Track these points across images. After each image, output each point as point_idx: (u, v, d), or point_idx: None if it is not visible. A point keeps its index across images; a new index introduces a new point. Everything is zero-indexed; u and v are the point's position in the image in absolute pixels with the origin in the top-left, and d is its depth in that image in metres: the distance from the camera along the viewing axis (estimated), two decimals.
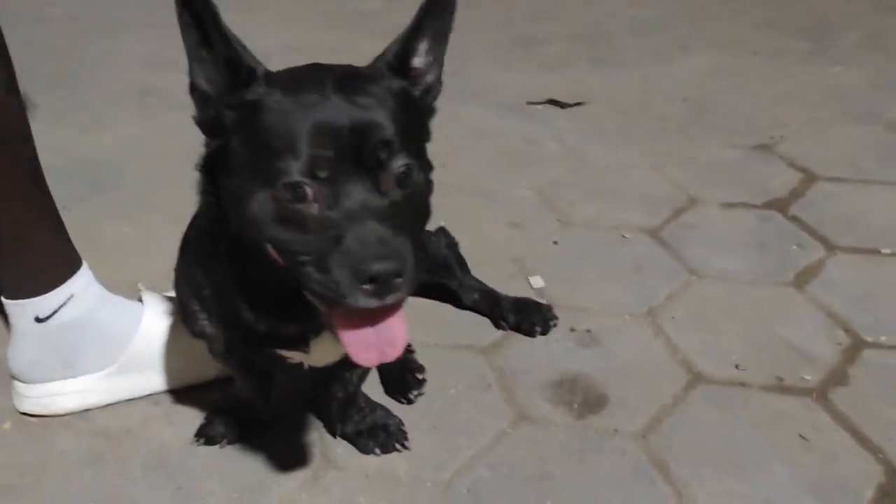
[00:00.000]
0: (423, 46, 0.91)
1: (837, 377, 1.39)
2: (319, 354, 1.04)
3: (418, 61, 0.91)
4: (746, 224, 1.87)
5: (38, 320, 1.29)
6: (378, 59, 0.92)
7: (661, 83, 2.69)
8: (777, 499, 1.17)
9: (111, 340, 1.34)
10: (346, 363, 1.12)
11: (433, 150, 0.92)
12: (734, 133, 2.31)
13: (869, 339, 1.48)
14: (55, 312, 1.28)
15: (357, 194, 0.79)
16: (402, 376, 1.37)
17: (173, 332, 1.37)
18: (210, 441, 1.29)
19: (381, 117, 0.81)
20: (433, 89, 0.94)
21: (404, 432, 1.28)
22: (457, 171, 2.10)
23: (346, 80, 0.84)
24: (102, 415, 1.34)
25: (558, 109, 2.52)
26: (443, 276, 1.51)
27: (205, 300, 1.04)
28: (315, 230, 0.79)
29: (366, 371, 1.23)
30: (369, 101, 0.82)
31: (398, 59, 0.90)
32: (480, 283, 1.55)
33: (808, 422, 1.31)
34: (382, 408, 1.30)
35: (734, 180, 2.06)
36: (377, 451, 1.26)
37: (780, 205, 1.94)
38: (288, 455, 1.27)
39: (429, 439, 1.29)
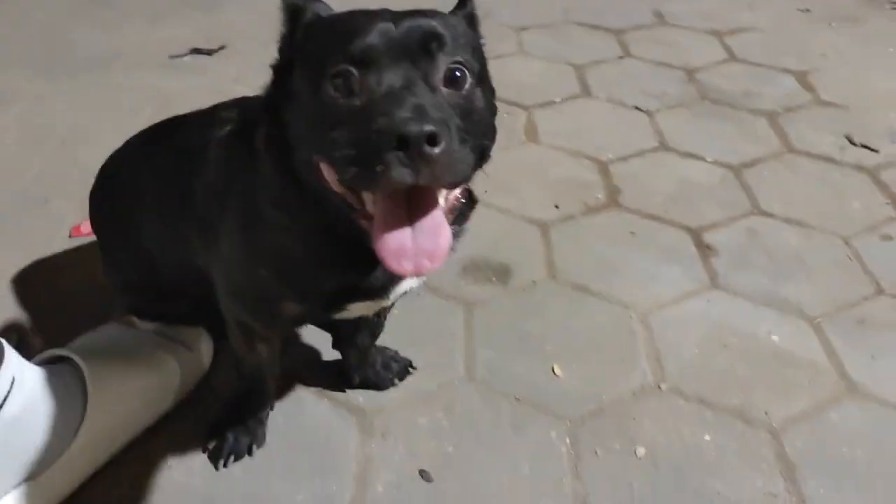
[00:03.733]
0: None
1: (614, 189, 1.88)
2: (394, 298, 1.03)
3: None
4: None
5: None
6: None
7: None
8: (654, 274, 1.61)
9: (65, 414, 1.08)
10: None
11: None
12: None
13: (604, 158, 2.00)
14: (1, 407, 0.98)
15: (401, 80, 0.73)
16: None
17: (124, 373, 1.16)
18: (239, 455, 1.18)
19: (434, 21, 0.78)
20: None
21: (405, 357, 1.35)
22: None
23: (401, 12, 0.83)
24: (81, 500, 1.09)
25: (206, 58, 2.45)
26: None
27: (293, 275, 0.93)
28: (359, 121, 0.71)
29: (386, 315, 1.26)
30: (423, 15, 0.79)
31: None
32: None
33: (625, 223, 1.76)
34: (377, 345, 1.34)
35: None
36: (396, 381, 1.31)
37: None
38: (321, 425, 1.24)
39: (420, 354, 1.38)
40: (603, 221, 1.76)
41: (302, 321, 1.09)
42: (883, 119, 2.24)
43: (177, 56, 2.44)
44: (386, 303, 0.99)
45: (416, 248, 0.72)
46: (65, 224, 1.66)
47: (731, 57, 2.62)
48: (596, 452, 1.22)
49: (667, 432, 1.26)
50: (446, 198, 0.78)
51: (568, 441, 1.24)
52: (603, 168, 1.96)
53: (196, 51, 2.47)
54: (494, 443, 1.23)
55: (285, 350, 1.35)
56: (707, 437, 1.25)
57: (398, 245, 0.72)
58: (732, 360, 1.40)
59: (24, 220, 1.68)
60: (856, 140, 2.13)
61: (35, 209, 1.71)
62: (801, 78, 2.48)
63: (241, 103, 1.07)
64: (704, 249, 1.68)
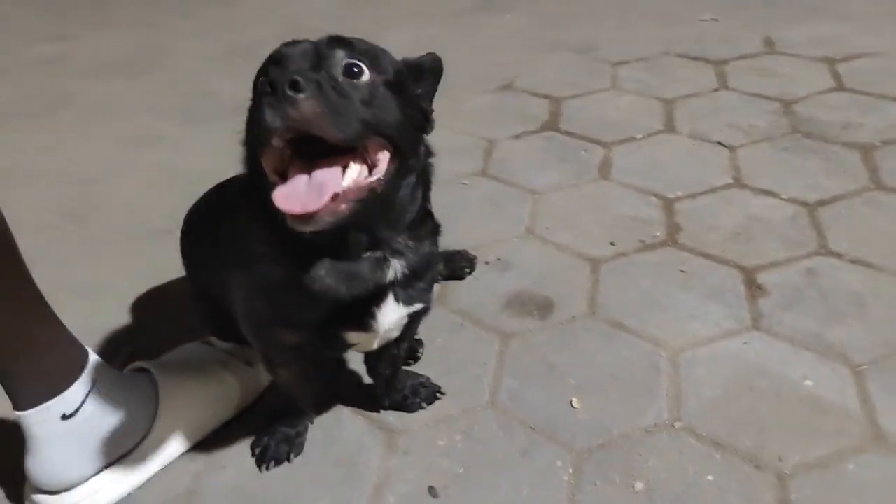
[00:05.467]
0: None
1: (674, 227, 1.91)
2: (382, 329, 1.14)
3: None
4: (539, 146, 2.33)
5: (65, 417, 1.23)
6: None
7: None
8: (695, 313, 1.64)
9: (139, 413, 1.32)
10: (393, 342, 1.30)
11: None
12: (476, 83, 2.74)
13: (671, 196, 2.03)
14: (83, 403, 1.23)
15: (300, 65, 0.90)
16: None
17: (190, 386, 1.39)
18: (279, 461, 1.36)
19: (342, 35, 0.94)
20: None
21: (435, 383, 1.49)
22: None
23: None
24: (150, 490, 1.33)
25: None
26: None
27: (281, 304, 1.11)
28: None
29: (408, 344, 1.41)
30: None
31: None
32: None
33: (678, 261, 1.80)
34: (409, 371, 1.49)
35: (505, 117, 2.50)
36: (424, 405, 1.45)
37: (550, 126, 2.43)
38: (353, 440, 1.41)
39: (451, 381, 1.51)
40: (655, 259, 1.81)
41: (309, 352, 1.25)
42: None
43: None
44: (376, 333, 1.14)
45: (304, 195, 0.86)
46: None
47: (839, 86, 2.54)
48: (595, 484, 1.30)
49: (670, 470, 1.31)
50: (354, 179, 0.90)
51: (570, 471, 1.32)
52: (668, 205, 2.00)
53: None
54: (501, 466, 1.34)
55: (334, 373, 1.54)
56: (710, 478, 1.29)
57: (290, 190, 0.87)
58: (756, 402, 1.42)
59: (147, 250, 1.99)
60: None
61: (158, 240, 2.02)
62: None
63: None
64: (754, 289, 1.69)
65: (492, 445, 1.38)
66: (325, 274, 1.05)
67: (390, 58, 1.02)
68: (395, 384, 1.43)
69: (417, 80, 1.06)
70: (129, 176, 2.34)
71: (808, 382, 1.45)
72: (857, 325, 1.57)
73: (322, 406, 1.47)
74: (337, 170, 0.90)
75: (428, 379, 1.49)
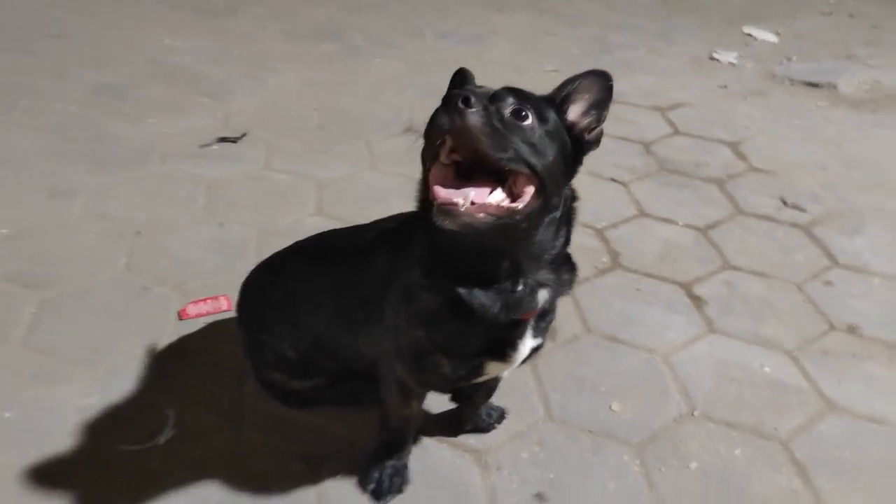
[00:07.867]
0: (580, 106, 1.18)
1: (614, 253, 2.28)
2: (519, 360, 1.33)
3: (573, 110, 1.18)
4: None
5: None
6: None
7: (285, 100, 3.07)
8: (665, 323, 2.01)
9: None
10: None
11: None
12: (381, 127, 2.89)
13: (599, 226, 2.41)
14: None
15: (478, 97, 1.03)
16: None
17: None
18: (395, 492, 1.48)
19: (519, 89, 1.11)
20: (592, 130, 1.20)
21: (499, 406, 1.69)
22: (245, 227, 2.24)
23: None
24: None
25: (233, 145, 2.70)
26: None
27: (443, 330, 1.24)
28: None
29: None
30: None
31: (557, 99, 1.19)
32: None
33: (631, 281, 2.17)
34: None
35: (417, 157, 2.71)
36: (496, 425, 1.65)
37: None
38: (447, 464, 1.56)
39: (507, 401, 1.71)
40: (613, 282, 2.16)
41: (450, 382, 1.37)
42: (802, 183, 2.78)
43: (206, 145, 2.69)
44: (513, 364, 1.31)
45: (454, 193, 1.02)
46: (170, 309, 1.90)
47: (675, 131, 3.12)
48: (660, 469, 1.59)
49: (707, 449, 1.65)
50: (497, 200, 1.04)
51: (638, 462, 1.60)
52: (600, 234, 2.37)
53: (222, 139, 2.72)
54: (583, 467, 1.58)
55: None
56: (737, 452, 1.65)
57: (445, 189, 1.02)
58: (740, 388, 1.82)
59: (130, 308, 1.90)
60: (788, 201, 2.64)
61: (138, 297, 1.94)
62: (735, 148, 3.00)
63: (398, 216, 1.41)
64: (696, 300, 2.11)
65: (567, 451, 1.62)
66: (482, 295, 1.17)
67: (546, 107, 1.14)
68: (477, 410, 1.61)
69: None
70: (64, 230, 2.17)
71: (766, 369, 1.89)
72: (777, 322, 2.06)
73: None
74: (484, 189, 1.05)
75: (492, 402, 1.68)
